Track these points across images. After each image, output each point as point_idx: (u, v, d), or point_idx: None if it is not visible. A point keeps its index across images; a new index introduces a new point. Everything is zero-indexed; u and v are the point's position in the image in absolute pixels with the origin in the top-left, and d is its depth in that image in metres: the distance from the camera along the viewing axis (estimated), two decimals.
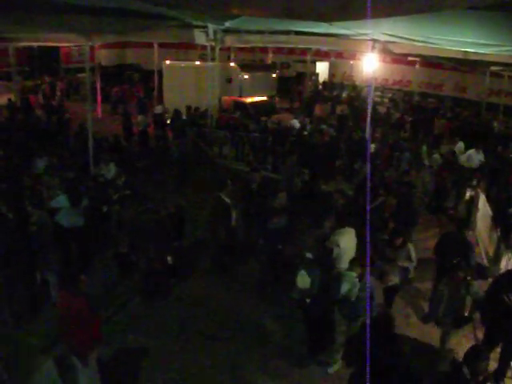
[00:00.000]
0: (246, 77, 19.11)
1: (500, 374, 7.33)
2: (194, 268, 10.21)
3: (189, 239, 10.72)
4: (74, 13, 13.87)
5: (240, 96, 21.01)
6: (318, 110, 24.18)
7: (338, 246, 8.26)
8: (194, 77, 22.12)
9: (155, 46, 25.40)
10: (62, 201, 9.38)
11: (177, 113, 19.46)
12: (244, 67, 22.65)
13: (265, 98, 23.08)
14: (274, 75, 25.43)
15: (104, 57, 31.87)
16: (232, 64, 22.46)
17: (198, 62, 23.56)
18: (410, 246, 8.49)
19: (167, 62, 23.97)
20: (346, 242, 8.36)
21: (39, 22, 14.02)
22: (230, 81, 21.66)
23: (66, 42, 20.79)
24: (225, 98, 21.64)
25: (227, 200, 9.60)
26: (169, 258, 9.03)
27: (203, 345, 7.96)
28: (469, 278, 7.32)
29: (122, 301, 9.06)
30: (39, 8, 11.41)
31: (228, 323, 8.60)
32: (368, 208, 5.38)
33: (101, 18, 14.43)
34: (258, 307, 9.08)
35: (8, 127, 17.05)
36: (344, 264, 8.22)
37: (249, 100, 20.33)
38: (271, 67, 26.60)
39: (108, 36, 18.27)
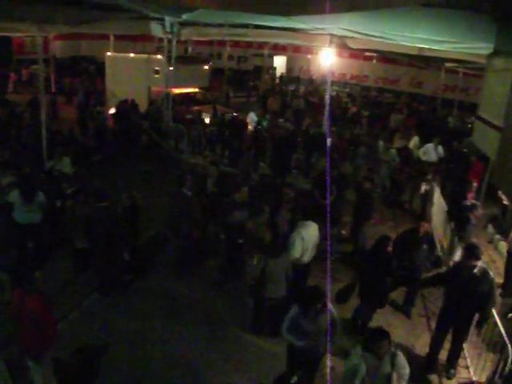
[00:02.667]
0: (171, 68, 19.56)
1: (452, 361, 7.53)
2: (150, 264, 10.10)
3: (145, 235, 10.56)
4: (26, 2, 13.49)
5: (166, 87, 21.37)
6: (270, 102, 24.17)
7: (302, 238, 8.28)
8: (129, 68, 22.43)
9: (111, 37, 24.92)
10: (15, 196, 9.10)
11: (132, 106, 19.28)
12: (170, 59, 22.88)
13: (193, 90, 23.20)
14: (206, 67, 25.35)
15: (59, 48, 31.05)
16: (159, 56, 22.59)
17: (131, 54, 23.61)
18: None
19: (108, 53, 23.73)
20: (309, 235, 8.39)
21: None
22: (157, 72, 21.84)
23: (18, 31, 20.13)
24: (153, 88, 21.81)
25: (189, 193, 9.54)
26: (125, 254, 8.88)
27: (163, 343, 7.87)
28: None
29: (78, 298, 8.89)
30: None
31: (184, 315, 8.60)
32: (327, 202, 5.44)
33: (54, 7, 14.06)
34: (215, 300, 9.11)
35: None
36: (306, 256, 8.30)
37: (176, 91, 20.61)
38: (200, 60, 26.52)
39: (62, 27, 17.81)
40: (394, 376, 5.07)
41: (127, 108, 19.10)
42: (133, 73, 22.07)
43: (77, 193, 9.26)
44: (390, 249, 7.73)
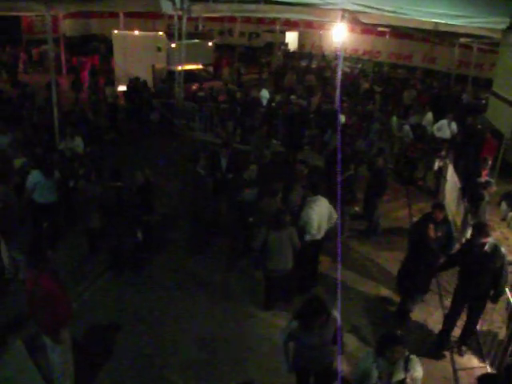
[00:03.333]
0: (173, 45, 19.54)
1: (465, 337, 7.52)
2: (164, 243, 10.16)
3: (158, 213, 10.59)
4: None
5: (168, 64, 21.52)
6: (288, 79, 23.98)
7: (313, 210, 8.25)
8: (134, 46, 22.65)
9: (121, 15, 24.79)
10: (35, 176, 9.12)
11: (143, 84, 19.23)
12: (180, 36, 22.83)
13: (197, 67, 23.13)
14: (210, 44, 25.13)
15: (68, 27, 30.99)
16: (160, 33, 22.73)
17: (136, 32, 23.50)
18: None
19: (115, 31, 23.68)
20: (321, 211, 8.35)
21: None
22: (159, 50, 22.04)
23: (25, 11, 20.06)
24: (157, 66, 21.93)
25: (202, 173, 9.54)
26: (138, 233, 8.93)
27: (177, 321, 7.94)
28: None
29: (92, 277, 8.97)
30: None
31: (198, 293, 8.66)
32: (339, 179, 5.39)
33: None
34: (228, 277, 9.18)
35: None
36: (315, 230, 8.27)
37: (179, 68, 20.68)
38: (204, 36, 26.29)
39: (70, 5, 17.73)
40: (408, 382, 4.97)
41: (138, 86, 19.03)
42: (138, 50, 22.34)
43: (89, 173, 9.27)
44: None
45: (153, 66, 21.82)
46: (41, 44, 28.59)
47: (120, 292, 8.60)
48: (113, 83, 20.40)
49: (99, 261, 9.37)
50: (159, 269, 9.36)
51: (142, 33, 23.56)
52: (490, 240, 6.96)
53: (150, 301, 8.39)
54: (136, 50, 22.42)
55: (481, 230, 6.98)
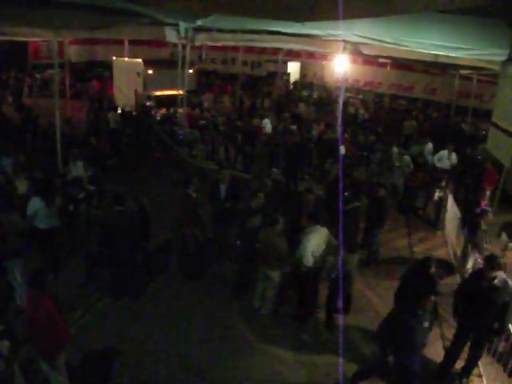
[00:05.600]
0: (150, 72, 20.32)
1: (467, 370, 7.45)
2: (162, 268, 10.16)
3: (156, 239, 10.60)
4: (42, 7, 13.60)
5: (144, 89, 22.55)
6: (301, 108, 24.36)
7: (309, 241, 8.29)
8: (123, 72, 23.99)
9: (126, 42, 25.14)
10: (36, 203, 9.15)
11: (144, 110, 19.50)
12: (148, 63, 23.75)
13: (175, 92, 23.61)
14: (190, 71, 25.52)
15: (74, 53, 31.31)
16: (139, 60, 23.60)
17: (126, 59, 24.56)
18: None
19: (114, 57, 24.34)
20: (316, 240, 8.38)
21: (6, 15, 13.71)
22: (138, 75, 22.90)
23: (34, 36, 20.37)
24: (139, 91, 22.65)
25: (194, 195, 9.59)
26: (137, 259, 8.94)
27: (175, 349, 7.90)
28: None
29: (91, 302, 8.94)
30: (7, 1, 11.15)
31: (195, 319, 8.66)
32: (341, 208, 5.41)
33: (69, 12, 14.16)
34: (226, 305, 9.16)
35: None
36: (308, 260, 8.28)
37: (157, 93, 22.02)
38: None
39: (77, 32, 17.99)
40: None
41: (145, 112, 19.28)
42: (125, 76, 23.58)
43: (90, 197, 9.31)
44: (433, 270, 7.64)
45: (135, 91, 22.44)
46: (46, 69, 28.93)
47: (118, 318, 8.56)
48: (115, 109, 20.60)
49: (98, 286, 9.34)
50: (157, 294, 9.35)
51: (128, 59, 24.48)
52: (500, 274, 6.95)
53: (148, 327, 8.36)
54: (123, 76, 23.68)
55: (492, 262, 6.96)
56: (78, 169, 11.98)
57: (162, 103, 22.09)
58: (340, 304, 8.10)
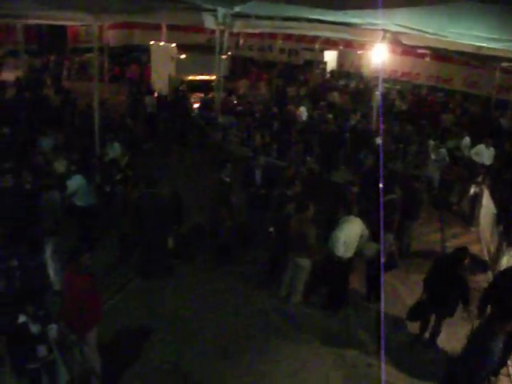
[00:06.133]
0: (183, 56, 21.21)
1: (496, 370, 7.36)
2: (193, 251, 10.26)
3: (189, 222, 10.71)
4: None
5: (177, 74, 22.72)
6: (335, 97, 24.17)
7: (342, 231, 8.28)
8: (159, 56, 24.22)
9: (163, 27, 25.28)
10: (77, 181, 9.37)
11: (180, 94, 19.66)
12: (183, 47, 23.86)
13: (208, 77, 23.58)
14: (224, 57, 25.56)
15: (112, 37, 31.65)
16: (173, 44, 23.70)
17: (161, 43, 24.68)
18: None
19: (151, 42, 24.40)
20: (349, 230, 8.35)
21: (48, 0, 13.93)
22: (172, 59, 23.10)
23: (74, 20, 20.66)
24: (172, 75, 22.85)
25: (227, 180, 9.66)
26: (170, 241, 9.05)
27: (203, 331, 8.01)
28: None
29: (122, 281, 9.10)
30: None
31: (224, 304, 8.75)
32: (379, 199, 5.39)
33: None
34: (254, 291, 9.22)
35: (15, 105, 16.95)
36: (340, 250, 8.27)
37: (189, 78, 22.29)
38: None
39: (116, 16, 18.14)
40: None
41: (179, 96, 19.41)
42: (161, 60, 23.80)
43: (126, 179, 9.47)
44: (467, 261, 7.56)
45: (169, 76, 22.62)
46: (84, 52, 29.33)
47: (149, 298, 8.73)
48: (152, 93, 20.78)
49: (130, 266, 9.52)
50: (188, 278, 9.48)
51: (163, 43, 24.60)
52: None
53: (178, 308, 8.51)
54: (160, 60, 23.90)
55: None
56: (114, 151, 12.18)
57: (194, 88, 22.22)
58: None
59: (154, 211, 8.66)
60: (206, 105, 19.54)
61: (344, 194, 10.38)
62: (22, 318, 5.41)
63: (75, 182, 9.30)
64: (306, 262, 8.59)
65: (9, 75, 24.21)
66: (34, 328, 5.43)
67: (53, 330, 5.58)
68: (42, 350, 5.50)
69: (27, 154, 11.68)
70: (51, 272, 8.45)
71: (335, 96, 24.40)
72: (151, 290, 8.96)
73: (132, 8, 15.57)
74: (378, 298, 8.77)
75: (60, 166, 10.79)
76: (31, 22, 24.74)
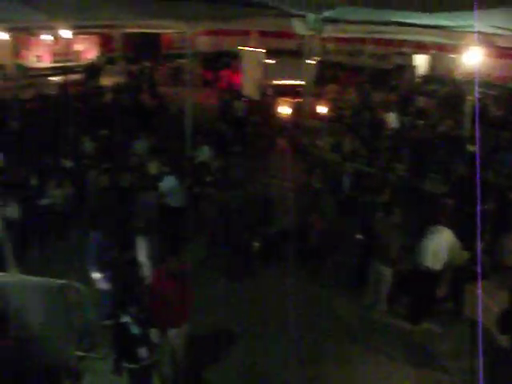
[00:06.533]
0: (271, 61, 21.66)
1: None
2: (280, 255, 10.34)
3: (274, 226, 10.82)
4: (175, 1, 14.35)
5: (265, 78, 23.05)
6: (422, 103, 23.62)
7: (431, 241, 8.12)
8: (248, 62, 24.93)
9: (252, 33, 25.76)
10: (170, 181, 9.77)
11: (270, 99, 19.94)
12: (271, 52, 24.17)
13: (295, 82, 23.32)
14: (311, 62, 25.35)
15: (203, 43, 32.61)
16: (261, 50, 24.23)
17: (249, 49, 25.54)
18: None
19: (241, 47, 25.06)
20: (438, 241, 8.17)
21: (143, 8, 14.59)
22: (259, 64, 23.59)
23: (168, 28, 21.57)
24: (260, 80, 23.33)
25: (317, 185, 9.71)
26: (255, 243, 9.19)
27: (282, 331, 8.03)
28: None
29: (207, 281, 9.33)
30: None
31: (307, 312, 8.68)
32: (470, 210, 5.26)
33: (201, 4, 14.82)
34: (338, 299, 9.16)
35: (113, 109, 17.91)
36: (429, 261, 8.10)
37: (277, 82, 22.38)
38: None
39: (208, 23, 18.73)
40: None
41: (267, 101, 19.72)
42: (249, 66, 24.42)
43: (215, 181, 9.75)
44: None
45: (257, 80, 23.09)
46: (177, 59, 30.40)
47: (232, 299, 8.89)
48: (241, 97, 21.19)
49: (215, 266, 9.76)
50: (272, 280, 9.57)
51: (250, 49, 25.45)
52: None
53: (259, 310, 8.62)
54: (249, 66, 24.52)
55: None
56: (204, 154, 12.56)
57: (282, 92, 22.35)
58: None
59: (243, 213, 8.85)
60: (294, 109, 19.66)
61: (435, 204, 10.16)
62: (124, 318, 5.56)
63: (168, 183, 9.71)
64: (388, 271, 8.48)
65: (107, 81, 25.51)
66: (136, 329, 5.57)
67: (154, 333, 5.72)
68: (142, 352, 5.63)
69: (123, 155, 12.30)
70: (145, 270, 8.81)
71: (423, 101, 23.77)
72: (234, 291, 9.13)
73: (223, 15, 16.02)
74: (463, 310, 8.49)
75: (153, 168, 11.25)
76: (128, 30, 26.12)
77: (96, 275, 7.70)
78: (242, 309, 8.65)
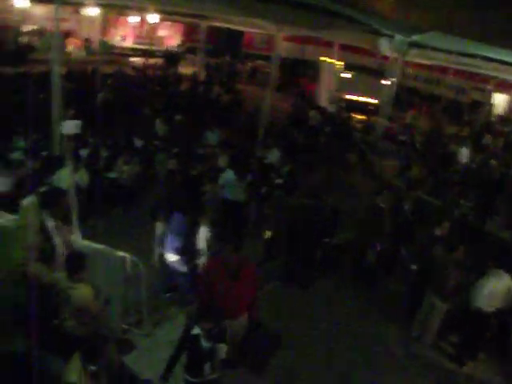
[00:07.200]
0: (347, 75, 21.81)
1: None
2: (337, 267, 10.31)
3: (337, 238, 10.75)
4: (268, 1, 14.56)
5: (338, 91, 23.10)
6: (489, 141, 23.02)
7: (487, 283, 7.92)
8: (328, 73, 25.01)
9: (336, 45, 25.67)
10: (228, 175, 9.94)
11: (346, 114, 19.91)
12: (349, 67, 24.35)
13: (371, 101, 23.15)
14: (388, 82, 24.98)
15: (284, 48, 32.84)
16: (339, 62, 24.34)
17: (330, 60, 25.27)
18: None
19: (321, 58, 24.89)
20: (494, 285, 7.96)
21: (237, 4, 14.85)
22: (335, 77, 23.86)
23: (256, 28, 21.82)
24: (334, 93, 23.43)
25: (382, 206, 9.61)
26: (318, 252, 9.18)
27: (325, 345, 8.00)
28: None
29: (261, 282, 9.32)
30: None
31: (353, 331, 8.57)
32: None
33: (292, 9, 14.96)
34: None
35: (188, 97, 18.26)
36: (482, 302, 7.89)
37: (350, 97, 22.45)
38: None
39: (297, 28, 18.89)
40: None
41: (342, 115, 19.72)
42: (327, 77, 24.73)
43: (284, 184, 9.80)
44: None
45: (333, 92, 23.31)
46: (257, 59, 30.75)
47: (282, 303, 8.84)
48: (317, 107, 21.20)
49: (271, 268, 9.75)
50: (325, 292, 9.50)
51: (330, 61, 25.31)
52: None
53: (306, 320, 8.51)
54: (326, 77, 24.76)
55: None
56: (273, 156, 12.65)
57: (353, 108, 22.37)
58: None
59: (310, 221, 8.85)
60: (367, 127, 19.59)
61: (496, 247, 9.89)
62: (196, 330, 5.41)
63: (225, 176, 9.86)
64: (441, 305, 8.31)
65: (186, 70, 26.02)
66: (206, 344, 5.38)
67: (222, 349, 5.49)
68: (207, 367, 5.47)
69: (194, 143, 12.53)
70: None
71: (489, 139, 23.15)
72: (286, 296, 9.10)
73: (314, 23, 16.13)
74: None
75: (223, 161, 11.42)
76: (215, 24, 26.59)
77: (172, 256, 7.77)
78: (289, 314, 8.59)
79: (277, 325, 8.06)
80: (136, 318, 7.39)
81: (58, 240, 5.75)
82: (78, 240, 7.01)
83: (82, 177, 10.02)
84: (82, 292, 5.56)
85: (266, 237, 9.61)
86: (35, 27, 29.15)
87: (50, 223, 5.74)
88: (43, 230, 5.57)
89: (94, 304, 5.74)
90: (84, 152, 11.23)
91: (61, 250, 5.77)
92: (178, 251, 7.66)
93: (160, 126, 14.32)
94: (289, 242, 9.25)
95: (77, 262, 5.58)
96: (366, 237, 9.65)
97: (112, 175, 11.35)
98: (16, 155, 10.49)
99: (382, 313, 9.28)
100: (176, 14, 24.76)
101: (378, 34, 17.83)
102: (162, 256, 7.94)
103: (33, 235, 5.36)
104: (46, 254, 5.60)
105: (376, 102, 23.26)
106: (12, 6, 22.54)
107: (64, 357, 4.93)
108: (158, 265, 8.02)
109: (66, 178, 8.11)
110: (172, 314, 7.89)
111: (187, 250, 7.64)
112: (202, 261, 7.83)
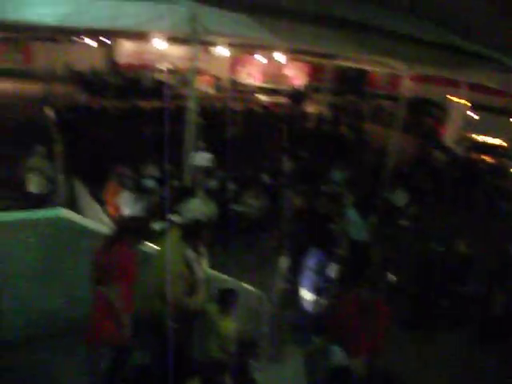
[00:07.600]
0: (472, 115, 21.34)
1: None
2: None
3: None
4: (398, 40, 14.47)
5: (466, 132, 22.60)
6: None
7: None
8: (454, 113, 24.51)
9: (463, 86, 24.94)
10: (351, 214, 9.97)
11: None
12: (475, 106, 23.31)
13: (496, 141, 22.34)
14: None
15: (408, 88, 32.37)
16: (465, 102, 23.43)
17: (456, 99, 24.58)
18: None
19: (452, 97, 24.39)
20: None
21: (366, 43, 14.92)
22: (460, 117, 23.27)
23: (384, 67, 21.74)
24: (459, 133, 23.00)
25: None
26: (443, 301, 8.85)
27: None
28: None
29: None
30: (370, 32, 12.15)
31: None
32: None
33: (421, 48, 14.76)
34: None
35: (314, 135, 18.56)
36: None
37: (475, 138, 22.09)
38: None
39: (426, 67, 18.58)
40: None
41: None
42: (454, 117, 24.25)
43: (411, 228, 9.64)
44: None
45: (460, 133, 22.83)
46: (382, 98, 30.63)
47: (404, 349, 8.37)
48: (443, 148, 20.72)
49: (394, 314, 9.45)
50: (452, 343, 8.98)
51: (456, 100, 24.56)
52: None
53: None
54: (453, 117, 24.43)
55: None
56: (398, 197, 12.48)
57: (481, 150, 21.69)
58: None
59: (438, 268, 8.62)
60: (497, 171, 18.76)
61: None
62: (343, 362, 5.46)
63: (349, 215, 9.87)
64: None
65: (310, 108, 26.47)
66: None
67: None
68: None
69: (320, 181, 12.67)
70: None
71: None
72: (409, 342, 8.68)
73: (442, 62, 15.79)
74: None
75: (347, 200, 11.40)
76: (339, 63, 26.86)
77: (307, 294, 7.66)
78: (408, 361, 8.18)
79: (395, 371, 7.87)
80: (255, 351, 7.39)
81: (199, 271, 5.98)
82: (208, 270, 7.25)
83: (210, 208, 10.43)
84: (230, 325, 5.86)
85: (390, 280, 9.42)
86: (169, 66, 31.23)
87: (191, 254, 5.98)
88: (186, 261, 5.83)
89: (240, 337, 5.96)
90: (212, 184, 11.74)
91: (202, 281, 6.01)
92: (314, 288, 7.58)
93: (286, 163, 14.65)
94: (414, 287, 9.03)
95: (231, 298, 5.92)
96: (495, 287, 9.17)
97: (239, 208, 11.75)
98: (148, 182, 11.17)
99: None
100: (304, 53, 25.30)
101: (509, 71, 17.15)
102: (285, 291, 7.99)
103: (179, 265, 5.61)
104: (191, 285, 5.86)
105: (505, 144, 22.34)
106: (150, 47, 24.20)
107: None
108: (279, 300, 7.94)
109: (196, 207, 8.48)
110: (288, 351, 7.70)
111: (323, 287, 7.61)
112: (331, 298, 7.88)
